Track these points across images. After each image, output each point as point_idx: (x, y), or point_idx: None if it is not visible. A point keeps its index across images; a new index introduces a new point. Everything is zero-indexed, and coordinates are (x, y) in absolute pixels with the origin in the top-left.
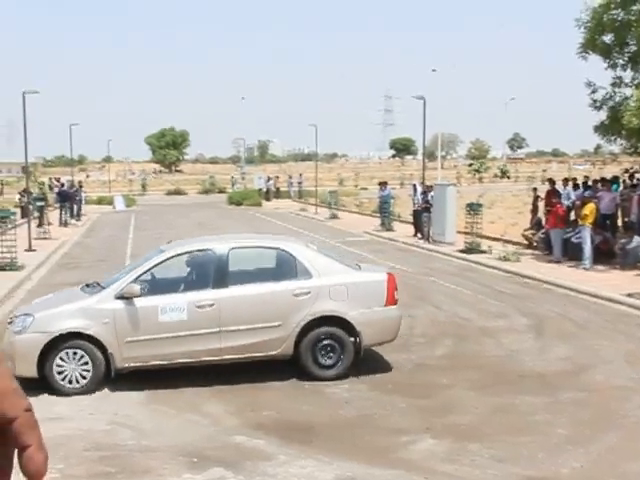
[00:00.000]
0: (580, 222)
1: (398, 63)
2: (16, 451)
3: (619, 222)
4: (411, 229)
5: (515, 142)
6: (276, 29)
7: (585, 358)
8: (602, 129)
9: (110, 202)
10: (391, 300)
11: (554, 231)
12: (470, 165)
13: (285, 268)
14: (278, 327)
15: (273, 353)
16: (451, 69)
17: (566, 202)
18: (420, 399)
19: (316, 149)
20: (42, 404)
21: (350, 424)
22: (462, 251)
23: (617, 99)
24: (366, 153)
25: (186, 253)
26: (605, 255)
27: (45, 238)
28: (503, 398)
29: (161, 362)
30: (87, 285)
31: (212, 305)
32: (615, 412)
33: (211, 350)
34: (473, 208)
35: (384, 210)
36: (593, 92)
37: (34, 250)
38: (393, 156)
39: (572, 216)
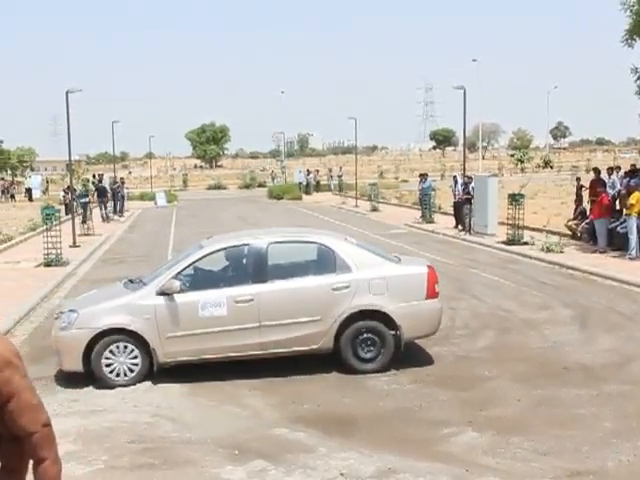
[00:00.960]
0: (626, 212)
1: (438, 53)
2: (31, 462)
3: None
4: (452, 221)
5: (558, 131)
6: (314, 22)
7: (631, 350)
8: None
9: (152, 198)
10: (431, 293)
11: (599, 221)
12: (512, 155)
13: (324, 262)
14: (318, 321)
15: (313, 347)
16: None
17: (611, 191)
18: (462, 391)
19: (356, 142)
20: (87, 397)
21: (391, 417)
22: (504, 242)
23: None
24: (406, 145)
25: (225, 249)
26: None
27: (89, 234)
28: (547, 390)
29: (202, 357)
30: (130, 281)
31: (251, 300)
32: None
33: (251, 345)
34: (515, 199)
35: (424, 202)
36: (639, 79)
37: (78, 246)
38: (434, 148)
39: (617, 206)
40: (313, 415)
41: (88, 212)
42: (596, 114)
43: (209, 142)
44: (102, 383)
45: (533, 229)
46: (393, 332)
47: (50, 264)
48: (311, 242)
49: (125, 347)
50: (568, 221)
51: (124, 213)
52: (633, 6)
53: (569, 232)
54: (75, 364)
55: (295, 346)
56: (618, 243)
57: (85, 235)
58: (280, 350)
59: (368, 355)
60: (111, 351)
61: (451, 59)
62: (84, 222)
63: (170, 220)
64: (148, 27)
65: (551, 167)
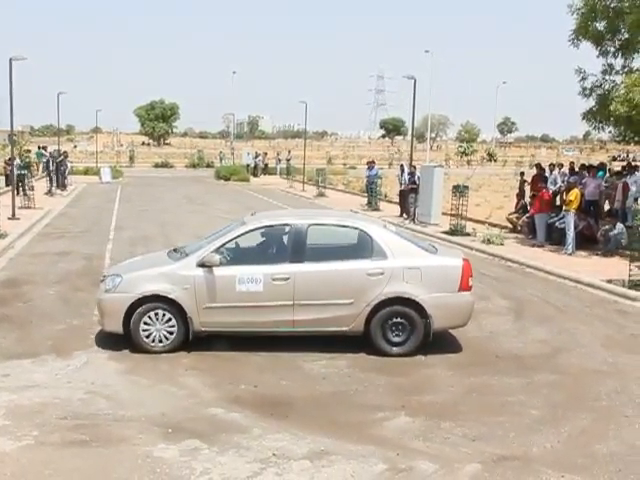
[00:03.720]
0: (565, 207)
1: (391, 43)
2: None
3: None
4: (397, 209)
5: (505, 126)
6: (270, 4)
7: (562, 341)
8: (590, 116)
9: (97, 173)
10: (465, 286)
11: (539, 215)
12: (458, 147)
13: (361, 247)
14: (350, 305)
15: (344, 329)
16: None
17: (552, 187)
18: (397, 377)
19: (305, 126)
20: (19, 372)
21: (327, 400)
22: (446, 232)
23: (606, 86)
24: (356, 132)
25: (266, 227)
26: (588, 241)
27: (29, 207)
28: (479, 378)
29: (236, 329)
30: (175, 250)
31: (287, 279)
32: (588, 395)
33: (284, 322)
34: (459, 190)
35: (371, 189)
36: (583, 79)
37: (18, 219)
38: (383, 136)
39: (557, 201)
40: (250, 396)
41: (26, 184)
42: (542, 112)
43: (158, 119)
44: (138, 348)
45: (475, 221)
46: (424, 320)
47: None
48: (350, 227)
49: (163, 315)
50: (509, 214)
51: (67, 187)
52: (580, 9)
53: (510, 225)
54: (116, 326)
55: (326, 326)
56: (556, 238)
57: (26, 208)
58: (311, 329)
59: (397, 339)
60: (150, 317)
61: (405, 50)
62: (24, 194)
63: (114, 197)
64: None
65: (495, 160)
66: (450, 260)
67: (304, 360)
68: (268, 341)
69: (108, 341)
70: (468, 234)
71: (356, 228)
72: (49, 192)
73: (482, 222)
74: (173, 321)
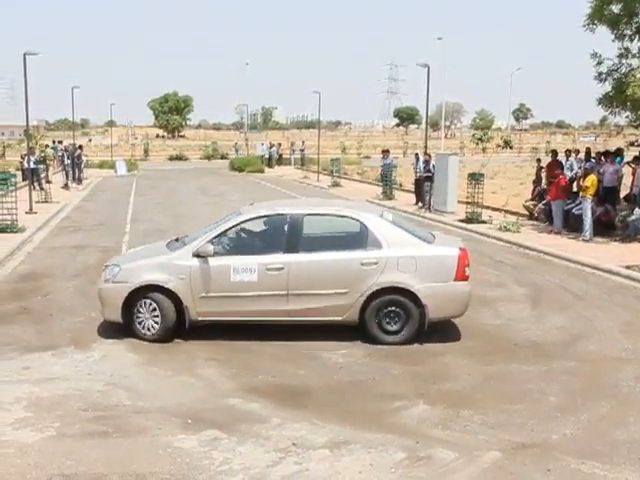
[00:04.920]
0: (581, 194)
1: (404, 30)
2: None
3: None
4: (412, 198)
5: (520, 113)
6: None
7: (580, 328)
8: (606, 101)
9: (112, 166)
10: (461, 275)
11: (555, 202)
12: (473, 135)
13: (356, 237)
14: (344, 294)
15: (338, 319)
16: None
17: (569, 173)
18: (414, 366)
19: (319, 116)
20: (39, 364)
21: (345, 389)
22: (462, 221)
23: (623, 70)
24: (370, 122)
25: (261, 217)
26: (606, 227)
27: (46, 201)
28: (497, 366)
29: (232, 318)
30: (176, 240)
31: (282, 269)
32: (607, 382)
33: (279, 311)
34: (475, 178)
35: (386, 178)
36: (599, 64)
37: (35, 213)
38: (397, 125)
39: (574, 188)
40: (267, 386)
41: (42, 179)
42: (558, 97)
43: (172, 112)
44: (136, 335)
45: (492, 208)
46: (419, 309)
47: (5, 230)
48: (346, 217)
49: (150, 304)
50: (526, 201)
51: (83, 181)
52: None
53: (526, 212)
54: (115, 315)
55: (320, 316)
56: (573, 224)
57: (43, 202)
58: (305, 318)
59: (392, 328)
60: (145, 305)
61: (418, 37)
62: (41, 189)
63: (129, 190)
64: None
65: (511, 147)
66: (446, 249)
67: (321, 350)
68: (284, 330)
69: (126, 333)
70: (484, 222)
71: (352, 218)
72: (65, 186)
73: (498, 210)
74: (170, 309)
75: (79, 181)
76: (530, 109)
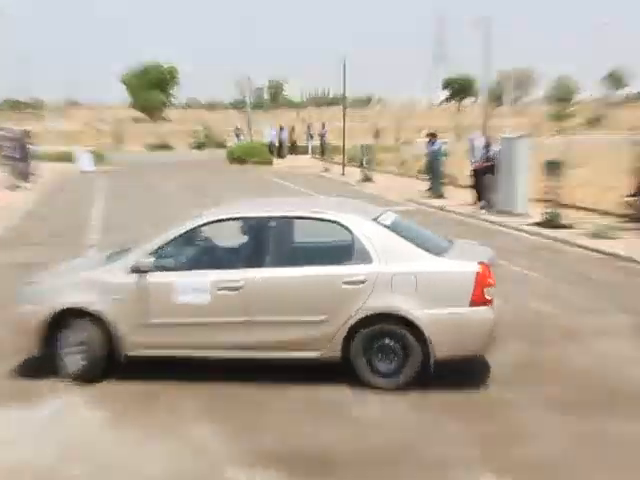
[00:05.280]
0: None
1: None
2: None
3: None
4: (468, 195)
5: (613, 80)
6: None
7: None
8: None
9: (72, 159)
10: (479, 298)
11: None
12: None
13: (338, 247)
14: (321, 323)
15: (314, 355)
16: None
17: None
18: (477, 422)
19: (344, 91)
20: None
21: (381, 454)
22: (538, 225)
23: None
24: (411, 96)
25: (217, 222)
26: None
27: None
28: (590, 423)
29: (177, 352)
30: (124, 250)
31: (239, 288)
32: None
33: (234, 344)
34: (553, 168)
35: (433, 170)
36: None
37: None
38: (447, 100)
39: None
40: (277, 452)
41: None
42: None
43: (152, 88)
44: (58, 371)
45: (578, 208)
46: (420, 344)
47: None
48: (325, 220)
49: (84, 333)
50: (627, 197)
51: (29, 177)
52: None
53: (627, 212)
54: (28, 345)
55: (290, 351)
56: None
57: None
58: (271, 354)
59: (387, 368)
60: (67, 336)
61: None
62: None
63: (95, 192)
64: None
65: (603, 126)
66: (459, 264)
67: (348, 398)
68: (294, 369)
69: (84, 378)
70: (568, 226)
71: (333, 221)
72: (13, 186)
73: (587, 209)
74: (99, 340)
75: (26, 178)
76: (624, 75)
